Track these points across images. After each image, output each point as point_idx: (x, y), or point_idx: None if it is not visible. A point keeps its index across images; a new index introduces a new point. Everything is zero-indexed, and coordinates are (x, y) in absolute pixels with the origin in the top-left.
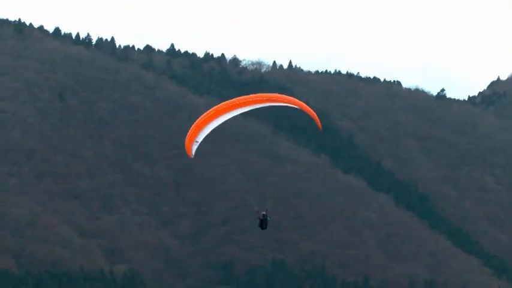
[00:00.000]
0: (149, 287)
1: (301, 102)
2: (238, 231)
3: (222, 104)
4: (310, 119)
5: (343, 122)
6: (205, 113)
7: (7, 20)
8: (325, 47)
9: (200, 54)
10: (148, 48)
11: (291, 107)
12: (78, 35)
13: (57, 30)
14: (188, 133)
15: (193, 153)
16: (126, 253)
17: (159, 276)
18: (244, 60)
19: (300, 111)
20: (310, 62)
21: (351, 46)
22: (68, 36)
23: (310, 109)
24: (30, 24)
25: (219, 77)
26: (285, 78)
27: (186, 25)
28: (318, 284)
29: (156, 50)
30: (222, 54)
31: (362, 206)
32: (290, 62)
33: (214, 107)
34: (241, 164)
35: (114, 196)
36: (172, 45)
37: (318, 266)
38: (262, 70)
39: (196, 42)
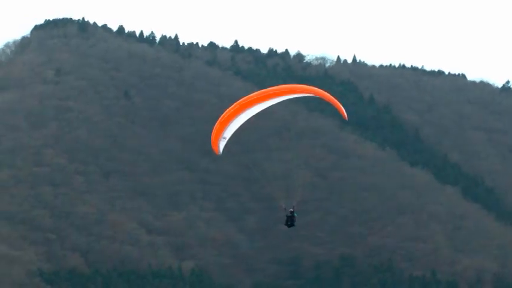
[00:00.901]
0: (217, 284)
1: (325, 93)
2: (306, 226)
3: (245, 98)
4: (375, 112)
5: (409, 115)
6: (229, 108)
7: (71, 19)
8: (389, 40)
9: (264, 50)
10: (212, 45)
11: (316, 96)
12: (142, 33)
13: (121, 28)
14: (214, 129)
15: (221, 150)
16: (193, 249)
17: (227, 273)
18: (308, 55)
19: (363, 105)
20: (375, 55)
21: (415, 39)
22: (132, 34)
23: (333, 99)
24: (94, 23)
25: (283, 72)
26: (349, 73)
27: (249, 21)
28: (386, 278)
29: (220, 46)
30: (286, 50)
31: (429, 199)
32: (354, 57)
33: (237, 102)
34: (307, 159)
35: (181, 193)
36: (236, 41)
37: (385, 260)
38: (326, 65)
39: (260, 38)
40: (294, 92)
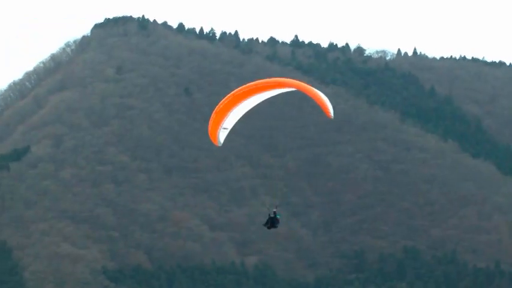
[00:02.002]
0: (280, 278)
1: (312, 89)
2: (369, 220)
3: (238, 89)
4: (437, 104)
5: (470, 106)
6: (224, 99)
7: (131, 17)
8: (450, 32)
9: (324, 44)
10: (272, 40)
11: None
12: (202, 30)
13: (181, 25)
14: (210, 120)
15: (222, 141)
16: (257, 245)
17: (290, 267)
18: (368, 48)
19: (424, 97)
20: (435, 48)
21: (475, 31)
22: (192, 31)
23: (318, 96)
24: (154, 20)
25: (344, 66)
26: (410, 65)
27: (309, 16)
28: (450, 270)
29: (280, 41)
30: (346, 44)
31: (492, 191)
32: (415, 49)
33: (231, 93)
34: (369, 153)
35: (244, 188)
36: (296, 36)
37: (449, 252)
38: (387, 58)
39: (320, 33)
40: (283, 86)
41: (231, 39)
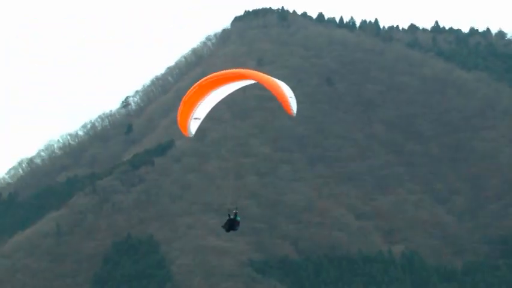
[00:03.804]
0: (428, 266)
1: (274, 83)
2: None
3: (205, 78)
4: None
5: None
6: (191, 89)
7: (270, 8)
8: None
9: (465, 29)
10: (412, 27)
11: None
12: (341, 19)
13: (320, 15)
14: (179, 111)
15: (193, 132)
16: (403, 233)
17: (437, 254)
18: (510, 32)
19: None
20: None
21: None
22: (332, 20)
23: (279, 91)
24: (294, 11)
25: (485, 50)
26: None
27: (449, 1)
28: None
29: (421, 28)
30: (488, 28)
31: None
32: None
33: (197, 83)
34: None
35: (388, 176)
36: (436, 22)
37: None
38: None
39: (461, 18)
40: (246, 78)
41: (371, 28)
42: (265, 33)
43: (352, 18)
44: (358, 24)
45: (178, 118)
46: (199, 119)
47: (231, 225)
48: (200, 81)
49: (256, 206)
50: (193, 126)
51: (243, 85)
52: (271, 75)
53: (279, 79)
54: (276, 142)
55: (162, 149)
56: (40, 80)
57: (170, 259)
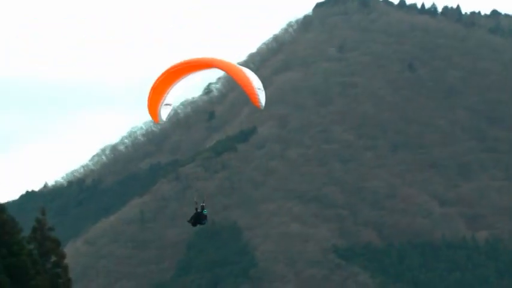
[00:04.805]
0: None
1: (242, 74)
2: None
3: (175, 65)
4: None
5: None
6: (160, 75)
7: None
8: None
9: None
10: (495, 12)
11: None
12: (423, 5)
13: (402, 1)
14: (148, 98)
15: (164, 118)
16: (487, 219)
17: None
18: None
19: None
20: None
21: None
22: (413, 6)
23: (248, 82)
24: None
25: None
26: None
27: None
28: None
29: (503, 13)
30: None
31: None
32: None
33: (166, 70)
34: None
35: (471, 163)
36: None
37: None
38: None
39: None
40: (213, 66)
41: (452, 13)
42: (346, 19)
43: (433, 4)
44: (440, 10)
45: (148, 105)
46: (170, 105)
47: (198, 218)
48: (168, 68)
49: (340, 193)
50: (163, 113)
51: (210, 72)
52: (353, 62)
53: (360, 66)
54: (359, 129)
55: (245, 135)
56: (125, 66)
57: (253, 246)
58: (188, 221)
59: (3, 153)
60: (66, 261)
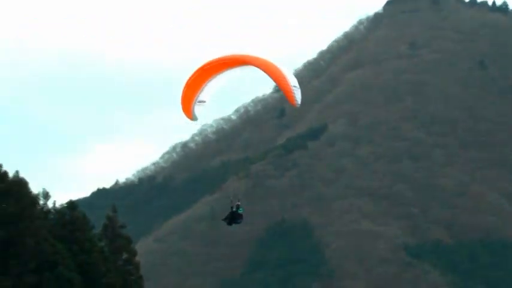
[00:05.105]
0: None
1: (278, 72)
2: None
3: (211, 61)
4: None
5: None
6: (194, 72)
7: None
8: None
9: None
10: None
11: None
12: (494, 3)
13: None
14: (182, 94)
15: (198, 116)
16: None
17: None
18: None
19: None
20: None
21: None
22: (484, 4)
23: (284, 80)
24: None
25: None
26: None
27: None
28: None
29: None
30: None
31: None
32: None
33: (201, 67)
34: None
35: None
36: None
37: None
38: None
39: None
40: (248, 63)
41: None
42: (417, 17)
43: (505, 1)
44: (511, 7)
45: (182, 102)
46: (204, 101)
47: (233, 218)
48: (202, 64)
49: (410, 190)
50: (197, 110)
51: (245, 69)
52: (423, 60)
53: (431, 63)
54: (429, 126)
55: (315, 133)
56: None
57: (324, 243)
58: (223, 220)
59: (76, 151)
60: (137, 258)
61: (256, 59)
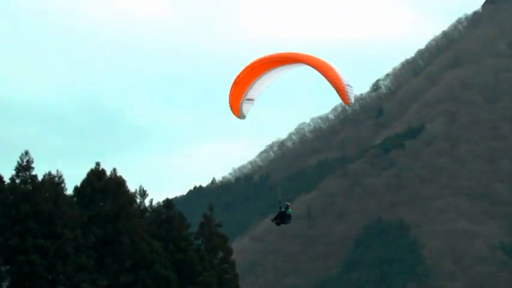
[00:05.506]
0: None
1: (331, 70)
2: None
3: (257, 60)
4: None
5: None
6: (243, 70)
7: None
8: None
9: None
10: None
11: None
12: None
13: None
14: (231, 91)
15: (246, 113)
16: None
17: None
18: None
19: None
20: None
21: None
22: None
23: (337, 79)
24: None
25: None
26: None
27: None
28: None
29: None
30: None
31: None
32: None
33: (250, 64)
34: None
35: None
36: None
37: None
38: None
39: None
40: (301, 61)
41: None
42: None
43: None
44: None
45: (230, 99)
46: (253, 100)
47: (282, 218)
48: (252, 62)
49: (508, 190)
50: (245, 108)
51: (296, 68)
52: None
53: None
54: None
55: (413, 132)
56: None
57: (421, 243)
58: (272, 220)
59: (173, 150)
60: (233, 257)
61: (308, 57)
